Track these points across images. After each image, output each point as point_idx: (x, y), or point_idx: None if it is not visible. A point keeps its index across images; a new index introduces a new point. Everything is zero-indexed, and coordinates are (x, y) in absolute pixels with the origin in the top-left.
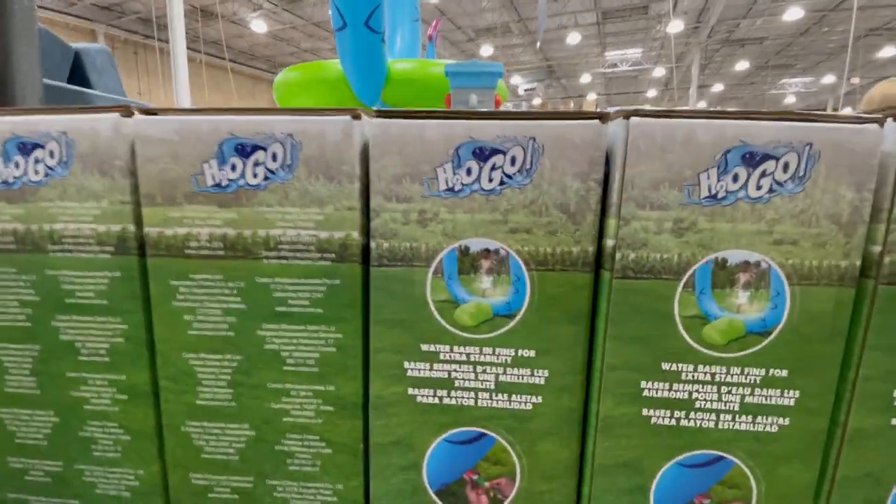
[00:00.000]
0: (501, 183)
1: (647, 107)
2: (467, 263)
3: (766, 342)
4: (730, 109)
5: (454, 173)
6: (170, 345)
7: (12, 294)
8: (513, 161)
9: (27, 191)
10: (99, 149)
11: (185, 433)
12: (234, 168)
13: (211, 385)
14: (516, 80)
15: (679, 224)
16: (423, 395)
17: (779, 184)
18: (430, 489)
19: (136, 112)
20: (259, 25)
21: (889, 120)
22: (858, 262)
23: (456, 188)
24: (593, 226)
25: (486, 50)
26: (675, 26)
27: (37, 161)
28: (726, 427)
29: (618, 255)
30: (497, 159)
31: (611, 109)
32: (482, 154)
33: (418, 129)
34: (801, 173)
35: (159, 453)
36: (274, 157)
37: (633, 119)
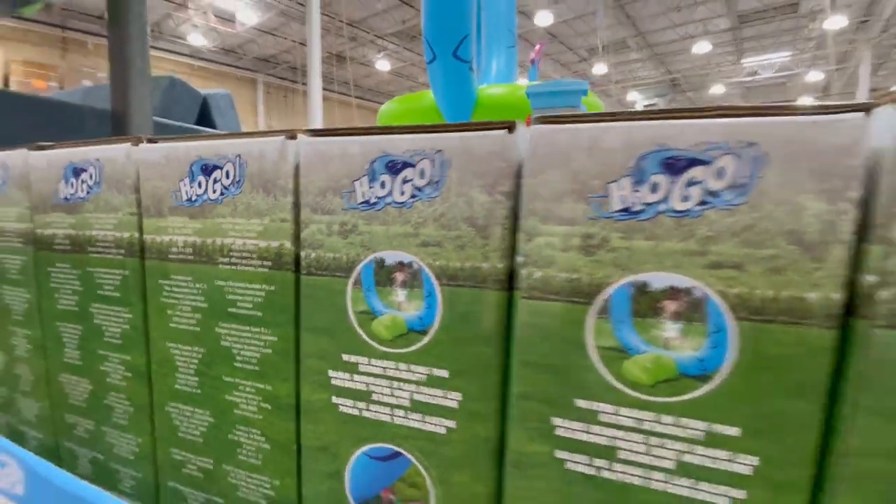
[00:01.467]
0: (412, 196)
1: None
2: (383, 275)
3: (705, 388)
4: (653, 109)
5: (370, 186)
6: (158, 333)
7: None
8: (422, 174)
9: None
10: (118, 173)
11: (167, 412)
12: (199, 185)
13: (184, 372)
14: (633, 96)
15: (588, 241)
16: (345, 405)
17: (712, 194)
18: (352, 501)
19: (144, 140)
20: (383, 64)
21: (885, 107)
22: (838, 296)
23: (371, 201)
24: (503, 241)
25: (600, 69)
26: (836, 22)
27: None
28: (658, 489)
29: (523, 273)
30: (407, 172)
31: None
32: (394, 167)
33: (341, 146)
34: (742, 181)
35: (151, 426)
36: (227, 175)
37: (535, 126)
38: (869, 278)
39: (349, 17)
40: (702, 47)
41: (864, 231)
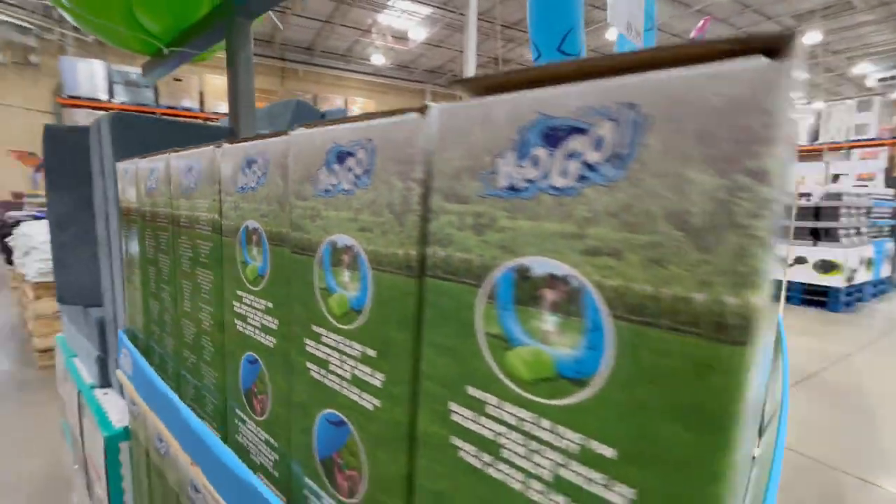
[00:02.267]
0: (257, 182)
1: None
2: (250, 237)
3: (360, 321)
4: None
5: (242, 175)
6: (176, 273)
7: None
8: (260, 167)
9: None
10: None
11: (179, 325)
12: (187, 178)
13: (186, 299)
14: (864, 67)
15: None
16: (239, 325)
17: (357, 177)
18: (242, 389)
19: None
20: None
21: (434, 106)
22: (413, 252)
23: (244, 187)
24: (289, 211)
25: (812, 37)
26: None
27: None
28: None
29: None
30: (255, 167)
31: (299, 128)
32: (250, 164)
33: (244, 150)
34: (367, 167)
35: (177, 332)
36: (194, 173)
37: (293, 133)
38: (429, 239)
39: (506, 19)
40: None
41: (426, 202)
